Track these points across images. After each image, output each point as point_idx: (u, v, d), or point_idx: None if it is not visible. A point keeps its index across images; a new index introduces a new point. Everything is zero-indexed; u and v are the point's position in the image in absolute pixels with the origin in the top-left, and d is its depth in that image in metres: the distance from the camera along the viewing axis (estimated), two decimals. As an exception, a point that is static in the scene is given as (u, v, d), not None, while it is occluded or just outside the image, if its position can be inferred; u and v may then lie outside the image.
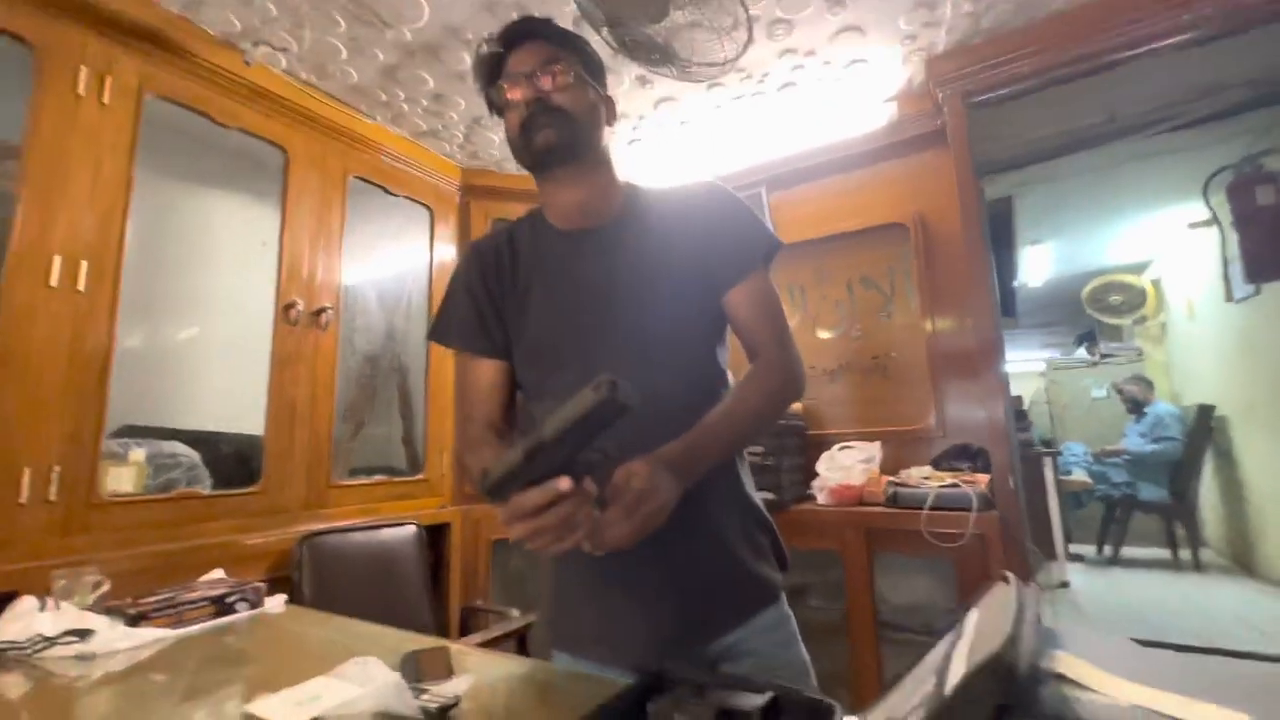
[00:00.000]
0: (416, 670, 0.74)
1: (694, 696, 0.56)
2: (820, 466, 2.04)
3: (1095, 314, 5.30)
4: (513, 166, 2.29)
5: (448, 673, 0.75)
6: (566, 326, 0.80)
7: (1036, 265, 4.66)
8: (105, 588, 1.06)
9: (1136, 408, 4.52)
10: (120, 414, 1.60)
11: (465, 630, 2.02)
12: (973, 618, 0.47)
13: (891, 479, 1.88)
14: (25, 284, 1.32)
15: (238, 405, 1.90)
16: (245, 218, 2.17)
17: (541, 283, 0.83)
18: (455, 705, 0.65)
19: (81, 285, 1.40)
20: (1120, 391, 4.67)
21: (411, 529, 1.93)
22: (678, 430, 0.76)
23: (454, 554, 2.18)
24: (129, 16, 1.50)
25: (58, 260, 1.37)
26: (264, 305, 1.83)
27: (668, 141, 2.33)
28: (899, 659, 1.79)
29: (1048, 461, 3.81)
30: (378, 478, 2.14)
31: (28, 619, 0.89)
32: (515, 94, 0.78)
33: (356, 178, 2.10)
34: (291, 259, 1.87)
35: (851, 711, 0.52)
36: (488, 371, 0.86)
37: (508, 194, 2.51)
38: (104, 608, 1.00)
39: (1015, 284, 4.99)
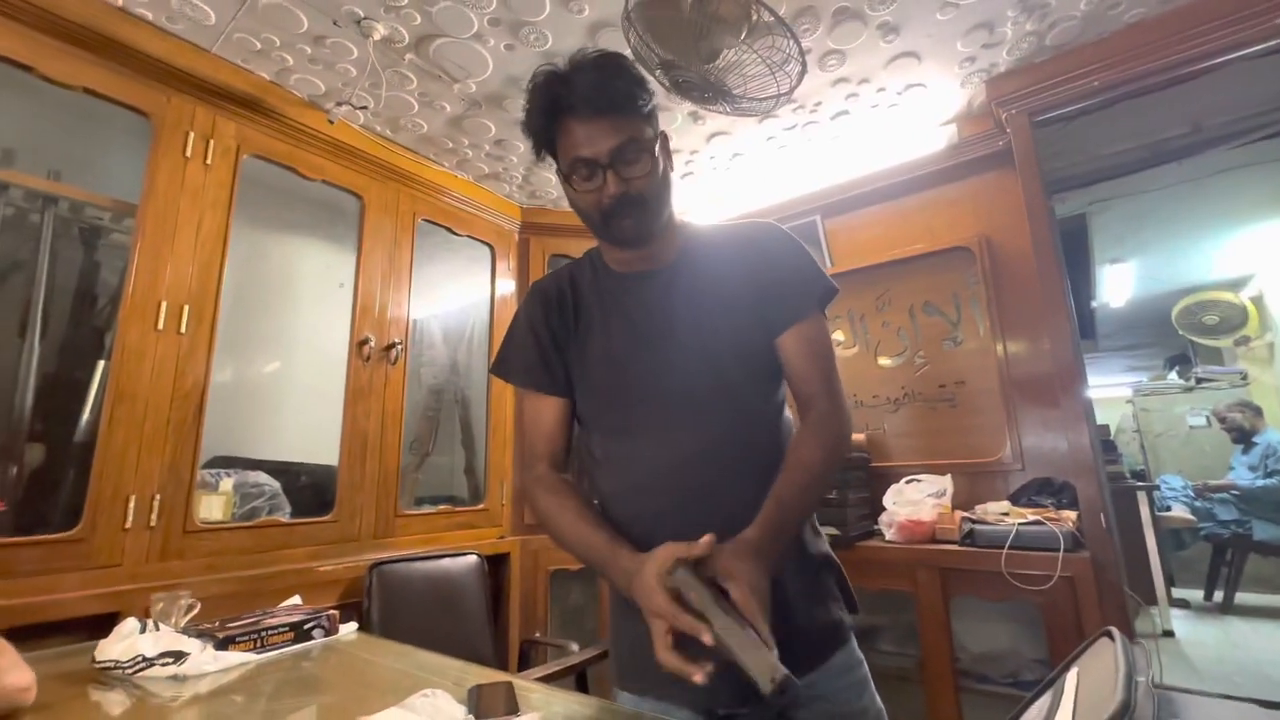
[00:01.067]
0: (482, 705, 0.74)
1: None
2: (887, 500, 1.95)
3: (1188, 335, 4.90)
4: (568, 204, 2.37)
5: (512, 708, 0.75)
6: (625, 368, 0.81)
7: (1117, 284, 4.37)
8: (196, 610, 1.13)
9: (1243, 437, 4.10)
10: (211, 445, 1.72)
11: (524, 662, 2.02)
12: (1072, 677, 0.44)
13: (966, 515, 1.78)
14: (137, 328, 1.46)
15: (314, 437, 2.01)
16: (325, 261, 2.33)
17: (601, 324, 0.84)
18: (522, 743, 0.65)
19: (184, 328, 1.53)
20: (1223, 419, 4.26)
21: (473, 559, 1.97)
22: (734, 471, 0.75)
23: (513, 584, 2.20)
24: (229, 85, 1.67)
25: (164, 306, 1.51)
26: (339, 342, 1.95)
27: (721, 174, 2.36)
28: (980, 711, 1.66)
29: (1142, 496, 3.50)
30: (441, 507, 2.20)
31: (131, 639, 0.95)
32: (595, 182, 0.74)
33: (424, 220, 2.22)
34: (365, 297, 1.99)
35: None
36: (551, 409, 0.87)
37: (565, 230, 2.60)
38: (195, 630, 1.06)
39: (1093, 305, 4.70)
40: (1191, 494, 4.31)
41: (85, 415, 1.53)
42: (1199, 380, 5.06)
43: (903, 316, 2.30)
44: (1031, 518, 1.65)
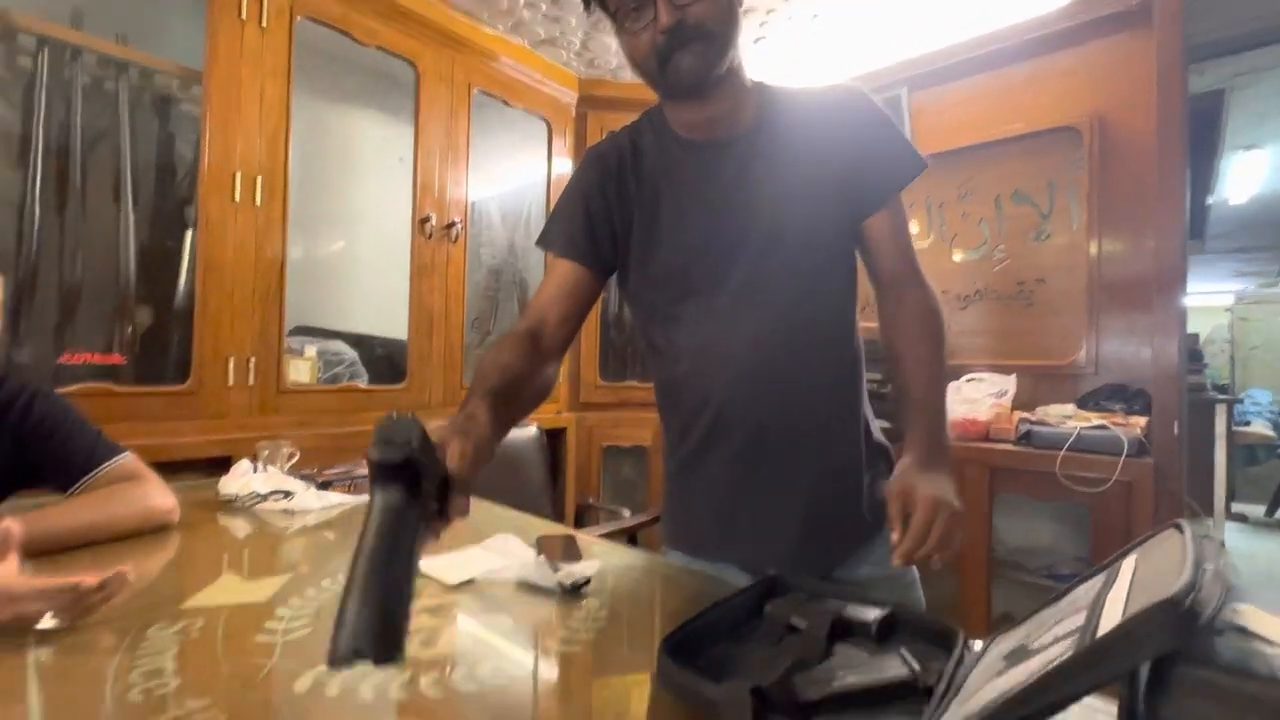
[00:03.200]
0: (548, 551, 0.83)
1: (812, 602, 0.59)
2: (943, 398, 1.93)
3: (1316, 238, 4.35)
4: (629, 75, 2.20)
5: (574, 556, 0.83)
6: (699, 250, 0.76)
7: (1244, 177, 3.85)
8: (296, 458, 1.28)
9: (1354, 354, 3.76)
10: (293, 316, 1.83)
11: (579, 524, 2.22)
12: (1129, 564, 0.44)
13: (1025, 416, 1.74)
14: (216, 200, 1.52)
15: (384, 312, 2.11)
16: (382, 134, 2.31)
17: (671, 201, 0.78)
18: (586, 584, 0.72)
19: (258, 200, 1.58)
20: (1334, 333, 3.88)
21: (533, 430, 2.10)
22: (808, 357, 0.75)
23: (569, 456, 2.35)
24: (278, -64, 1.57)
25: (238, 177, 1.55)
26: (402, 218, 1.97)
27: (799, 37, 2.12)
28: (1010, 598, 1.73)
29: (1220, 409, 3.32)
30: (502, 383, 2.32)
31: (245, 478, 1.10)
32: (646, 15, 0.66)
33: (480, 91, 2.13)
34: (424, 174, 1.98)
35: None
36: (569, 275, 0.79)
37: (624, 104, 2.45)
38: (298, 475, 1.20)
39: (1209, 200, 4.18)
40: (1277, 410, 4.07)
41: (181, 282, 1.64)
42: (1316, 289, 4.57)
43: (986, 207, 2.12)
44: (1096, 422, 1.60)
